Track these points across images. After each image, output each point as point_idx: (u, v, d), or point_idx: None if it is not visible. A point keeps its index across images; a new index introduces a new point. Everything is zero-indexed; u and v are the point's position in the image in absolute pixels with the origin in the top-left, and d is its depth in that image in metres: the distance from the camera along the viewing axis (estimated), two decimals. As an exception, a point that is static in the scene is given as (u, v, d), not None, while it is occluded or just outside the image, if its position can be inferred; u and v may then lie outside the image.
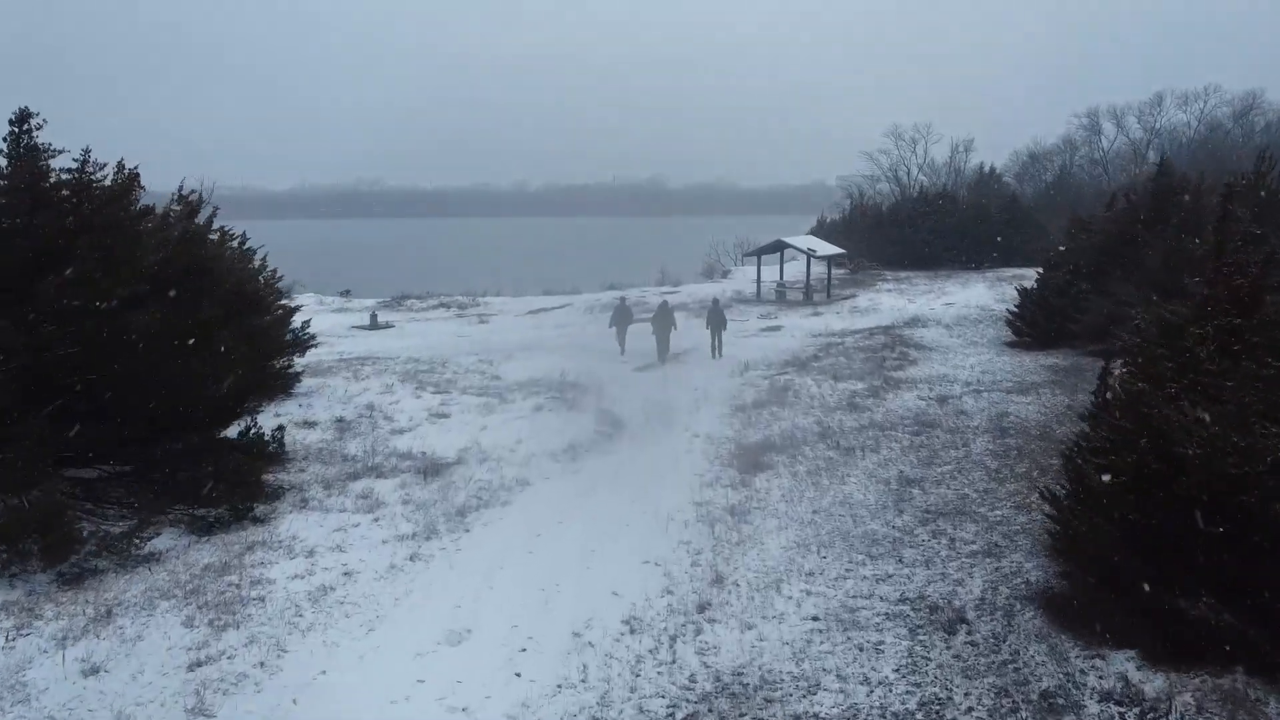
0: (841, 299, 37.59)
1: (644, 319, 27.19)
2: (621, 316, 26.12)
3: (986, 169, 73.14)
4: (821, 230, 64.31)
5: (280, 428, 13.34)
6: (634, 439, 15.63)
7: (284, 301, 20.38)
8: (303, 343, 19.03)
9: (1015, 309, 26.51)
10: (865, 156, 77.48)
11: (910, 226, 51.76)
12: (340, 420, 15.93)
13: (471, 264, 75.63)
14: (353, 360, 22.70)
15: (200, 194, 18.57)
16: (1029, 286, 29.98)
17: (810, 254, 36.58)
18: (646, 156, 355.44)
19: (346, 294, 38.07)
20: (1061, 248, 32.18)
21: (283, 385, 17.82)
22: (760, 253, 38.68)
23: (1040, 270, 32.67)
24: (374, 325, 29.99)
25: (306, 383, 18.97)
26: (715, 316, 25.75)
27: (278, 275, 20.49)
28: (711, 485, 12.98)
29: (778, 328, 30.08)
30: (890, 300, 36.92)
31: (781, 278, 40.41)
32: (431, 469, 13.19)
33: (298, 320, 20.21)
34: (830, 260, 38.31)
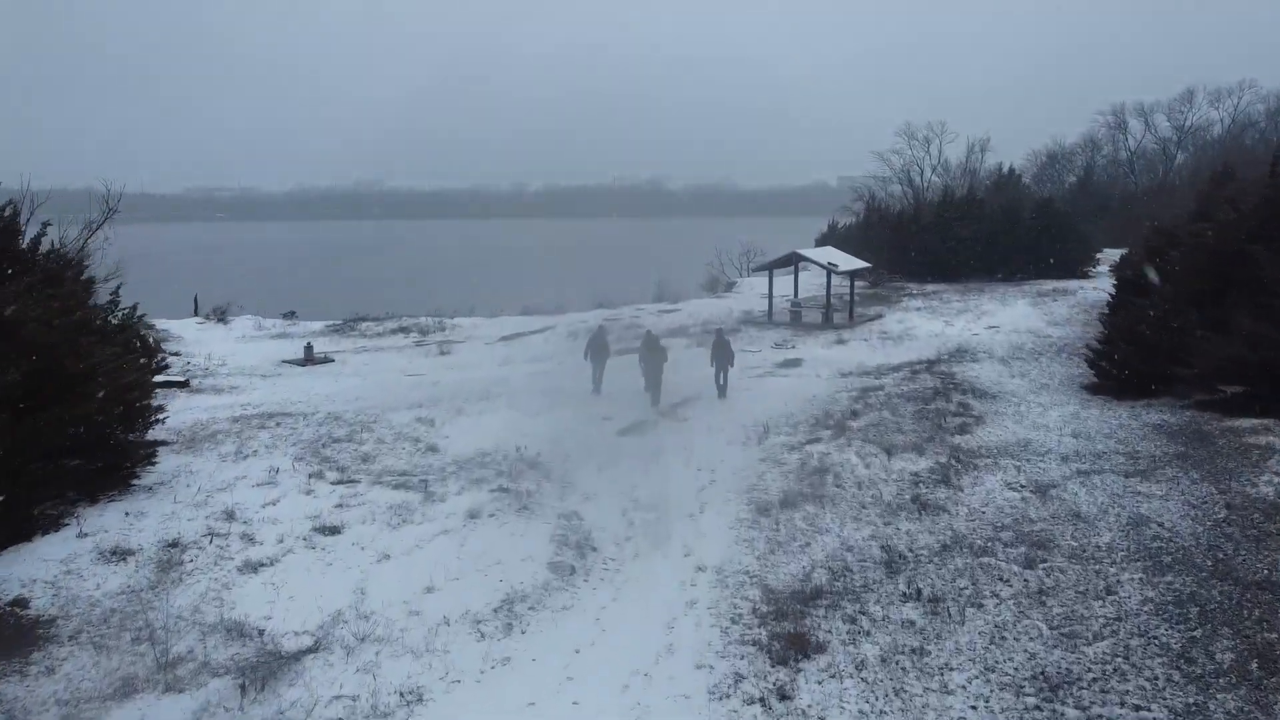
0: (866, 320, 32.41)
1: (633, 349, 22.12)
2: (598, 348, 21.16)
3: (1005, 169, 68.03)
4: (834, 237, 59.12)
5: (19, 600, 8.16)
6: (606, 577, 10.44)
7: (155, 360, 15.21)
8: (143, 415, 13.70)
9: (1099, 344, 21.27)
10: (876, 156, 72.50)
11: (936, 234, 46.51)
12: (172, 546, 10.71)
13: (452, 274, 70.53)
14: (253, 419, 17.50)
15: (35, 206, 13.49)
16: (1103, 311, 24.93)
17: (831, 269, 31.39)
18: (647, 157, 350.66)
19: (291, 316, 32.78)
20: (1113, 255, 27.08)
21: (119, 477, 12.62)
22: (772, 266, 33.50)
23: (1111, 291, 27.65)
24: (308, 359, 24.79)
25: (167, 463, 13.79)
26: (720, 350, 20.80)
27: (136, 314, 15.34)
28: (728, 697, 7.79)
29: (797, 362, 24.87)
30: (923, 322, 31.72)
31: (796, 294, 35.20)
32: (261, 671, 7.98)
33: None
34: (852, 275, 33.13)
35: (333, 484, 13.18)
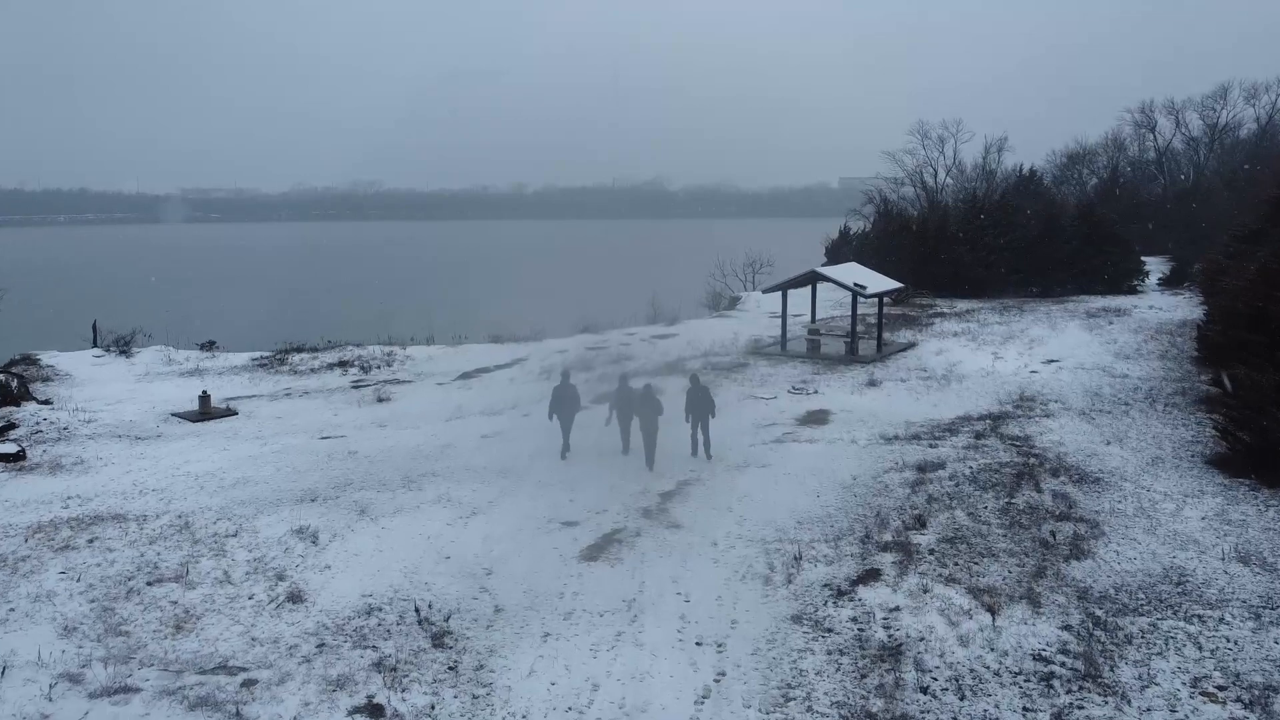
0: (898, 350, 27.18)
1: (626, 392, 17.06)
2: (564, 402, 16.58)
3: (1025, 170, 62.77)
4: (848, 246, 53.85)
5: None
6: None
7: None
8: None
9: (1234, 407, 15.99)
10: (888, 157, 67.26)
11: (965, 243, 41.30)
12: None
13: (428, 284, 65.41)
14: (63, 528, 12.28)
15: None
16: (1186, 345, 19.95)
17: (858, 291, 26.15)
18: (647, 158, 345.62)
19: (209, 347, 27.43)
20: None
21: None
22: (787, 286, 28.28)
23: (1203, 321, 22.68)
24: (203, 412, 19.56)
25: None
26: (697, 400, 16.27)
27: None
28: None
29: (823, 416, 19.63)
30: (967, 355, 26.45)
31: (814, 318, 30.01)
32: None
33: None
34: (880, 297, 27.90)
35: (92, 697, 7.94)
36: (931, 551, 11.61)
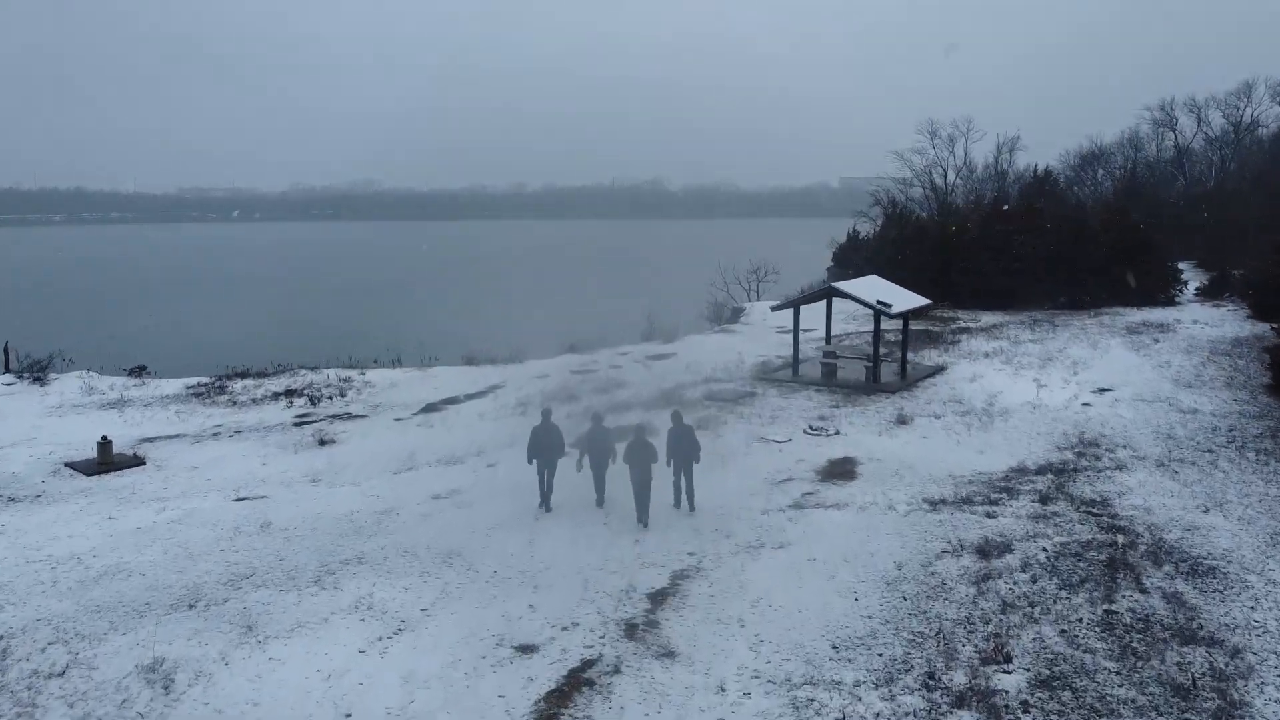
0: (925, 375, 23.89)
1: (619, 430, 13.90)
2: (545, 447, 13.86)
3: (1038, 170, 59.44)
4: (857, 250, 50.59)
5: None
6: None
7: None
8: None
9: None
10: (895, 156, 63.76)
11: (988, 250, 37.99)
12: None
13: (407, 293, 62.12)
14: None
15: None
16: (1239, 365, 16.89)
17: (882, 310, 22.82)
18: (646, 158, 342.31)
19: (139, 373, 24.01)
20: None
21: None
22: (799, 303, 24.95)
23: (1275, 340, 19.45)
24: (103, 463, 16.22)
25: None
26: (680, 440, 13.96)
27: None
28: None
29: (849, 468, 16.28)
30: (1005, 381, 23.12)
31: (828, 337, 26.69)
32: None
33: None
34: (906, 316, 24.54)
35: None
36: (1026, 708, 8.29)
